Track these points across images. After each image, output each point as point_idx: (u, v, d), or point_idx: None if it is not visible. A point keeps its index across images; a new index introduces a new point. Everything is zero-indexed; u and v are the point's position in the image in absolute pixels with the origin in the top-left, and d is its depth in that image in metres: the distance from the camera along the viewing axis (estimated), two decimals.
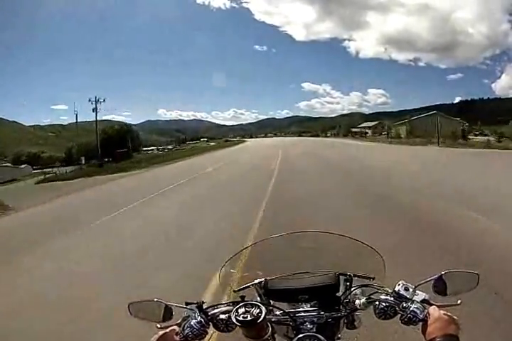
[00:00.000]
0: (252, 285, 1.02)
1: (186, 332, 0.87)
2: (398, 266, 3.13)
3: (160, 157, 40.58)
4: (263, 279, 1.02)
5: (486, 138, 34.49)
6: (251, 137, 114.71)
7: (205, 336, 0.89)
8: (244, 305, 0.85)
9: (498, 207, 5.81)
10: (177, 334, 0.87)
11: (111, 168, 29.05)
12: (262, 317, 0.82)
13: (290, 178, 11.98)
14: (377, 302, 0.91)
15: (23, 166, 40.70)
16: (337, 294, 0.98)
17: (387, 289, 0.93)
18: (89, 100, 39.78)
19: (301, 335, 0.88)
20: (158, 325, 0.91)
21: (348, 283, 0.99)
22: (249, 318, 0.82)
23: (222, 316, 0.91)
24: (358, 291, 0.98)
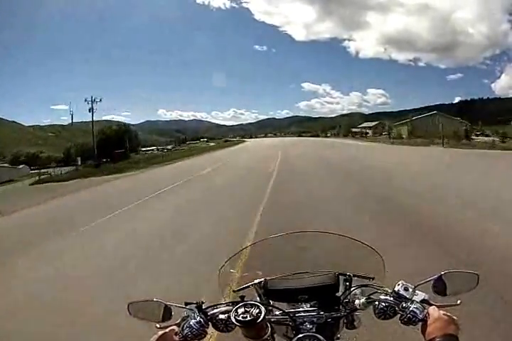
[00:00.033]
0: (252, 285, 1.02)
1: (186, 332, 0.87)
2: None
3: (158, 157, 40.25)
4: (263, 279, 1.02)
5: (488, 138, 34.36)
6: (251, 137, 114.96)
7: (205, 336, 0.89)
8: (244, 305, 0.85)
9: None
10: (176, 334, 0.87)
11: (107, 169, 28.68)
12: (262, 317, 0.82)
13: (289, 181, 11.38)
14: (376, 303, 0.91)
15: (20, 166, 40.55)
16: (337, 294, 0.98)
17: (386, 289, 0.93)
18: (85, 100, 39.38)
19: (300, 335, 0.88)
20: (158, 325, 0.91)
21: (347, 283, 0.99)
22: (248, 318, 0.82)
23: (221, 316, 0.91)
24: (357, 291, 0.98)
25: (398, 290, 0.89)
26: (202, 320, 0.89)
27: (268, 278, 1.02)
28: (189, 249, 5.09)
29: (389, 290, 0.91)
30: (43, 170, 35.15)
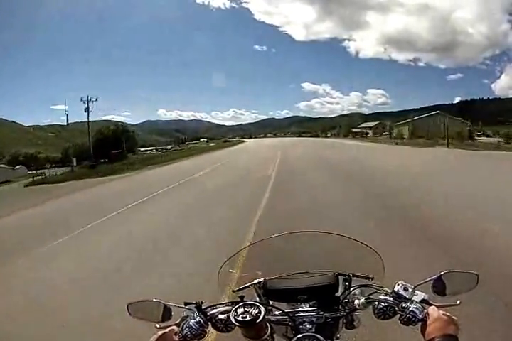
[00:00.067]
0: (251, 285, 1.03)
1: (185, 332, 0.87)
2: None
3: (156, 158, 39.56)
4: (262, 279, 1.02)
5: (491, 139, 34.18)
6: (250, 137, 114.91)
7: (204, 336, 0.89)
8: (244, 305, 0.85)
9: None
10: (176, 334, 0.87)
11: (102, 170, 27.94)
12: (261, 317, 0.82)
13: (288, 186, 10.38)
14: (376, 303, 0.91)
15: (18, 167, 40.24)
16: (336, 294, 0.98)
17: (386, 289, 0.93)
18: (81, 99, 38.66)
19: (300, 335, 0.88)
20: (157, 325, 0.91)
21: (347, 283, 1.00)
22: (248, 318, 0.82)
23: (221, 316, 0.91)
24: (357, 291, 0.98)
25: (398, 290, 0.89)
26: (201, 320, 0.89)
27: (267, 278, 1.02)
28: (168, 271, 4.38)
29: (388, 290, 0.91)
30: (40, 171, 34.89)
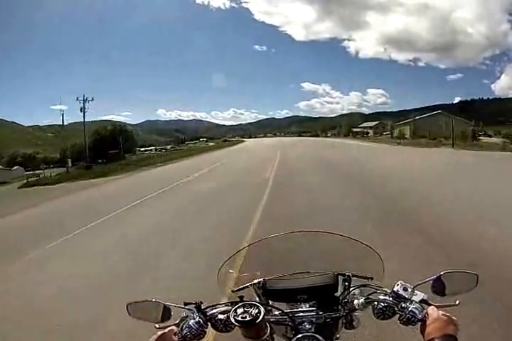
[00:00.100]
0: (251, 285, 1.03)
1: (185, 332, 0.87)
2: None
3: (153, 158, 38.58)
4: (262, 279, 1.02)
5: (493, 139, 33.76)
6: (250, 137, 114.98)
7: (204, 336, 0.89)
8: (243, 305, 0.85)
9: None
10: (175, 334, 0.87)
11: (96, 172, 27.23)
12: (261, 317, 0.82)
13: (287, 191, 9.57)
14: (375, 303, 0.91)
15: (15, 168, 39.96)
16: (336, 294, 0.98)
17: (385, 289, 0.93)
18: (77, 99, 37.48)
19: (299, 335, 0.88)
20: (157, 325, 0.91)
21: (346, 283, 1.00)
22: (247, 318, 0.82)
23: (220, 316, 0.91)
24: (356, 291, 0.98)
25: (397, 291, 0.89)
26: (201, 320, 0.89)
27: (267, 278, 1.02)
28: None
29: (388, 291, 0.91)
30: (37, 172, 34.59)
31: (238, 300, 0.89)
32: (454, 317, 0.82)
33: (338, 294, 0.98)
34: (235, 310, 0.85)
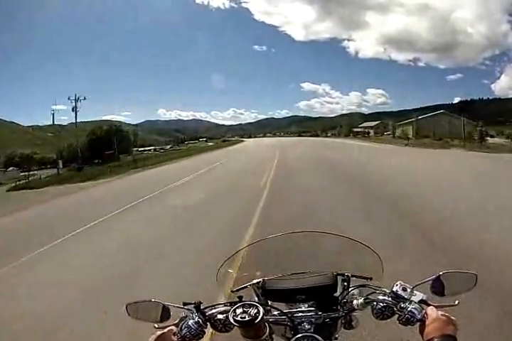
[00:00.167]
0: (250, 285, 1.03)
1: (184, 332, 0.88)
2: None
3: (149, 159, 36.68)
4: (261, 279, 1.02)
5: (496, 139, 33.31)
6: (250, 137, 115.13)
7: (203, 336, 0.90)
8: (242, 306, 0.86)
9: None
10: (175, 334, 0.87)
11: (86, 174, 25.63)
12: (260, 317, 0.82)
13: (285, 195, 8.79)
14: (374, 303, 0.91)
15: (10, 169, 38.93)
16: (335, 294, 0.98)
17: (384, 289, 0.93)
18: (69, 98, 36.22)
19: (298, 335, 0.88)
20: (156, 325, 0.92)
21: (345, 283, 1.00)
22: (247, 318, 0.82)
23: (219, 316, 0.91)
24: (355, 291, 0.98)
25: (396, 291, 0.89)
26: (200, 320, 0.89)
27: (266, 278, 1.02)
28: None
29: (387, 291, 0.91)
30: (32, 172, 33.81)
31: (237, 300, 0.89)
32: (453, 318, 0.82)
33: (337, 294, 0.98)
34: (234, 310, 0.85)
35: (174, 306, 0.94)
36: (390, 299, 0.89)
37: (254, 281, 1.02)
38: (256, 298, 0.99)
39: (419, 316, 0.84)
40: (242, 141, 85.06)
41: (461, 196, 7.47)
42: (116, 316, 2.92)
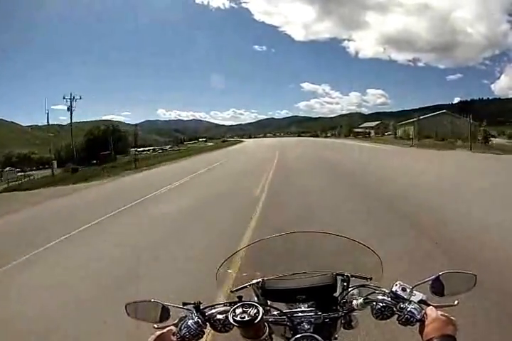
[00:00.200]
0: (250, 285, 1.03)
1: (183, 332, 0.87)
2: None
3: (146, 160, 35.62)
4: (260, 279, 1.02)
5: (497, 139, 32.94)
6: (249, 137, 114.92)
7: (202, 336, 0.89)
8: (242, 306, 0.85)
9: None
10: (174, 334, 0.87)
11: (80, 176, 24.69)
12: (260, 317, 0.82)
13: (285, 196, 8.65)
14: (374, 303, 0.91)
15: (6, 169, 37.85)
16: (334, 294, 0.98)
17: (384, 289, 0.93)
18: (64, 97, 36.01)
19: (298, 335, 0.88)
20: (156, 326, 0.91)
21: (345, 284, 1.00)
22: (246, 318, 0.82)
23: (219, 316, 0.91)
24: (355, 291, 0.98)
25: (396, 291, 0.89)
26: (200, 320, 0.89)
27: (266, 278, 1.02)
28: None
29: (386, 291, 0.91)
30: (29, 173, 33.17)
31: (237, 300, 0.89)
32: (452, 318, 0.82)
33: (336, 294, 0.98)
34: (234, 310, 0.85)
35: (173, 306, 0.94)
36: (389, 299, 0.89)
37: (254, 281, 1.02)
38: (255, 298, 0.99)
39: (418, 316, 0.84)
40: (242, 141, 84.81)
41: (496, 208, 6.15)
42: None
